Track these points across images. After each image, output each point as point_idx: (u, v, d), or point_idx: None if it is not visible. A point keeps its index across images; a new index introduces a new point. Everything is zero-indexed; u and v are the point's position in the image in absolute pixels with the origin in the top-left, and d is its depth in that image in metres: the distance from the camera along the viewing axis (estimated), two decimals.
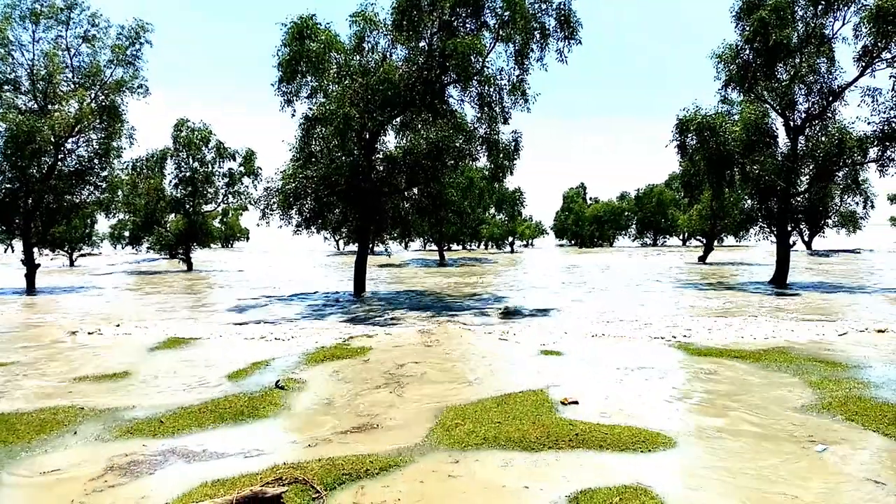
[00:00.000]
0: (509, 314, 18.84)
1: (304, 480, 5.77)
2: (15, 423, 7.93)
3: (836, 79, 25.65)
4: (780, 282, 27.40)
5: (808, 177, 27.22)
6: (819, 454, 6.38)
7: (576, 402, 8.23)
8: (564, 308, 20.03)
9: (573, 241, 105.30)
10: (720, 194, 29.60)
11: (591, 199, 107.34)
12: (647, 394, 8.94)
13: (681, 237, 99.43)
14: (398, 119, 24.97)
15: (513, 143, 25.01)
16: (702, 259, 49.02)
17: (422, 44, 23.26)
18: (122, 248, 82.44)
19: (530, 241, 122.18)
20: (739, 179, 27.33)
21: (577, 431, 7.10)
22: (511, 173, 26.19)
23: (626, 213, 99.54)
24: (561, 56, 22.37)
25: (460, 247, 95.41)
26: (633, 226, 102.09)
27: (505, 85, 23.58)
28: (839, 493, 5.50)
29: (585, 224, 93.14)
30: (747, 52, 25.97)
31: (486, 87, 23.56)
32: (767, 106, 26.65)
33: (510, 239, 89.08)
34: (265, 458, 6.49)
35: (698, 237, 62.91)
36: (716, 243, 57.08)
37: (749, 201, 30.26)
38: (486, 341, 13.88)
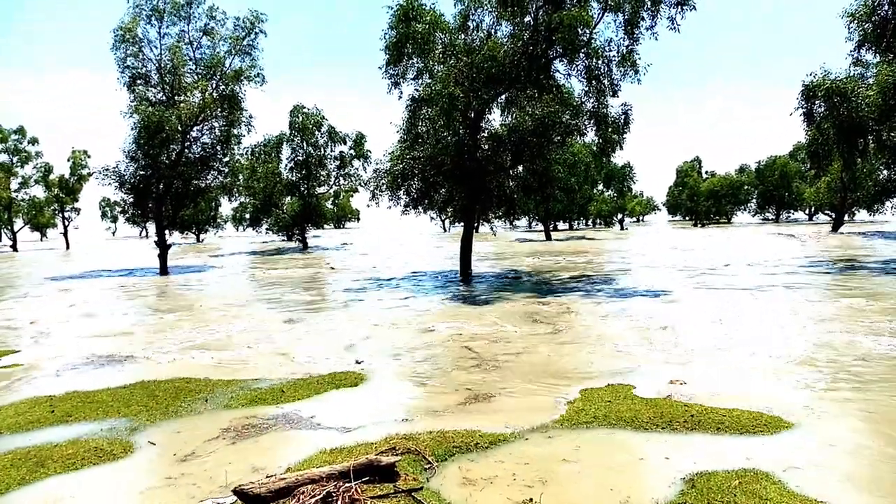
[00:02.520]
0: (616, 294, 18.39)
1: (417, 451, 5.94)
2: (154, 389, 8.67)
3: None
4: None
5: None
6: None
7: (684, 383, 7.92)
8: (676, 290, 19.29)
9: (687, 217, 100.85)
10: (851, 165, 27.32)
11: (706, 172, 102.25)
12: (762, 374, 8.46)
13: (806, 211, 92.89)
14: (503, 96, 24.71)
15: (622, 117, 24.11)
16: (832, 232, 45.75)
17: (527, 18, 22.84)
18: (244, 229, 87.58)
19: (641, 218, 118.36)
20: (874, 148, 25.04)
21: (693, 413, 6.86)
22: (620, 148, 25.31)
23: (746, 187, 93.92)
24: (673, 24, 21.22)
25: (567, 225, 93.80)
26: (753, 200, 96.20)
27: (614, 56, 22.71)
28: None
29: (701, 199, 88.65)
30: (885, 7, 23.61)
31: (594, 60, 22.79)
32: None
33: (619, 216, 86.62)
34: (378, 429, 6.72)
35: (826, 211, 58.51)
36: (846, 218, 52.94)
37: (885, 172, 27.73)
38: (593, 321, 13.64)
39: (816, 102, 25.08)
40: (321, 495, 4.88)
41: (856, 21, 24.65)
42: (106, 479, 5.66)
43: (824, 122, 25.09)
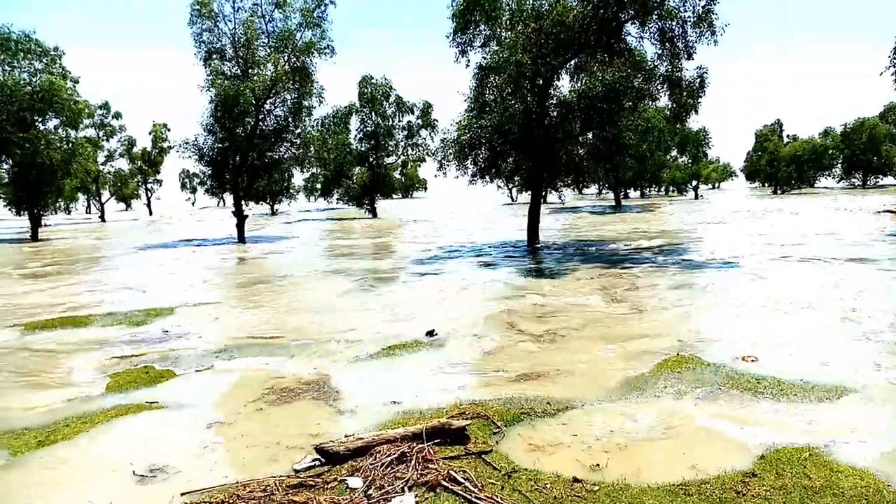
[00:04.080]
0: (686, 265, 18.02)
1: (486, 416, 6.15)
2: (246, 349, 9.22)
3: None
4: None
5: None
6: None
7: (755, 359, 7.78)
8: (750, 262, 18.72)
9: (766, 184, 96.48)
10: None
11: (788, 136, 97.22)
12: (838, 350, 8.23)
13: None
14: (572, 62, 24.22)
15: (697, 81, 23.20)
16: None
17: None
18: (315, 199, 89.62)
19: (717, 185, 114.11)
20: None
21: (764, 385, 6.80)
22: (695, 112, 24.46)
23: (831, 151, 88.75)
24: None
25: (638, 192, 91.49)
26: (839, 165, 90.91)
27: (689, 18, 21.82)
28: None
29: (781, 165, 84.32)
30: None
31: (668, 22, 21.95)
32: None
33: (694, 183, 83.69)
34: (448, 395, 6.97)
35: None
36: None
37: None
38: (662, 293, 13.47)
39: None
40: (396, 454, 5.16)
41: None
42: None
43: None
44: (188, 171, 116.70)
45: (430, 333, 9.86)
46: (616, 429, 5.81)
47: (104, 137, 72.45)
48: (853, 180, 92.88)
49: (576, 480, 4.74)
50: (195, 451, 5.70)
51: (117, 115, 72.82)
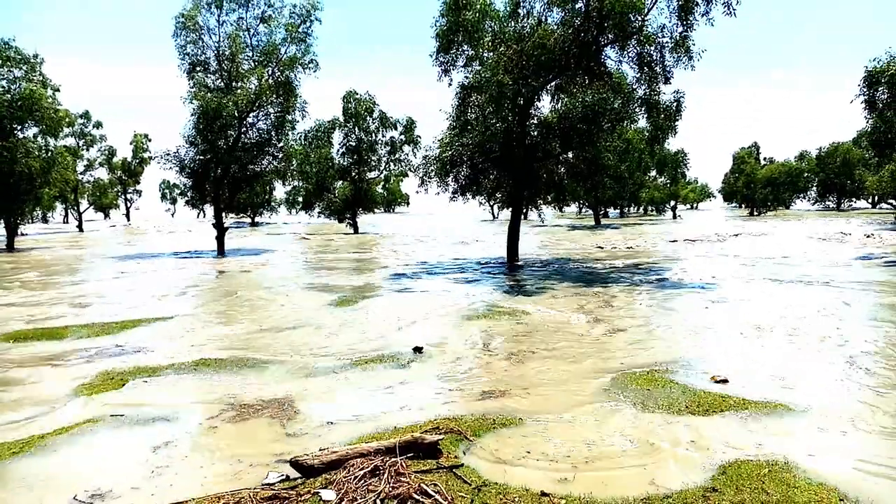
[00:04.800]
0: (662, 285, 18.35)
1: (459, 431, 6.29)
2: (216, 365, 9.25)
3: None
4: None
5: None
6: None
7: (725, 381, 7.97)
8: (724, 282, 19.10)
9: (743, 205, 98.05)
10: None
11: (765, 159, 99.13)
12: (805, 371, 8.48)
13: (869, 200, 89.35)
14: (553, 84, 24.67)
15: (674, 104, 23.77)
16: None
17: (578, 5, 22.67)
18: (296, 212, 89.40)
19: (695, 205, 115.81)
20: None
21: (730, 403, 7.02)
22: (673, 135, 25.02)
23: (806, 175, 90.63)
24: (729, 9, 20.73)
25: (618, 211, 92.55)
26: (814, 188, 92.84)
27: (666, 43, 22.37)
28: None
29: (758, 186, 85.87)
30: None
31: (646, 46, 22.50)
32: None
33: (672, 203, 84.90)
34: (423, 411, 7.09)
35: (890, 200, 56.23)
36: None
37: None
38: (637, 312, 13.72)
39: (880, 89, 24.22)
40: (369, 468, 5.26)
41: None
42: None
43: (888, 108, 24.23)
44: (168, 181, 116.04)
45: (418, 350, 9.95)
46: (584, 444, 5.97)
47: (84, 147, 71.86)
48: (827, 203, 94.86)
49: (543, 494, 4.89)
50: (143, 472, 5.57)
51: (98, 125, 72.30)
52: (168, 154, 32.99)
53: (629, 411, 6.90)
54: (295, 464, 5.43)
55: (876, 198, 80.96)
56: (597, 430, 6.34)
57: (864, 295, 15.13)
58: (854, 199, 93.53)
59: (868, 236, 34.51)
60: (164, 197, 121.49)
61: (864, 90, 24.62)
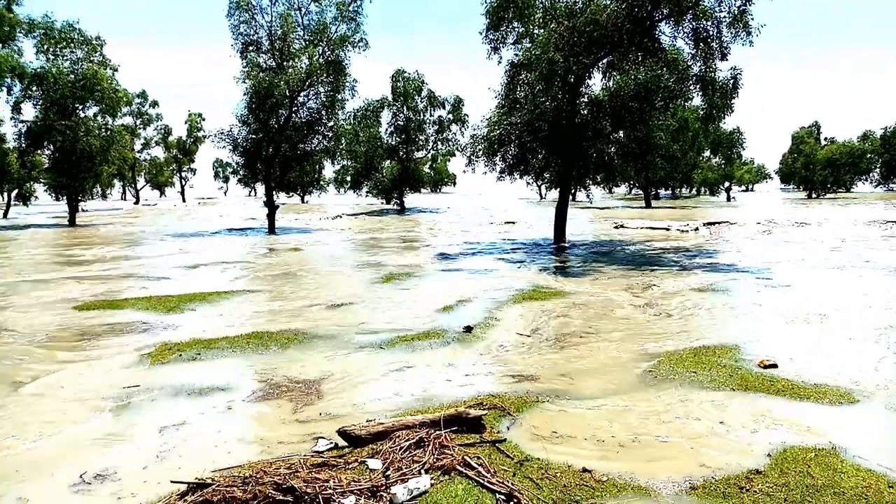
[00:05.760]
0: (712, 269, 17.99)
1: (503, 407, 6.38)
2: (268, 339, 9.56)
3: None
4: None
5: None
6: None
7: (775, 366, 7.82)
8: (776, 267, 18.61)
9: (801, 187, 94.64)
10: None
11: (825, 139, 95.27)
12: (855, 359, 8.26)
13: None
14: (604, 61, 24.18)
15: (731, 81, 23.01)
16: None
17: None
18: (345, 191, 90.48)
19: (750, 186, 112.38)
20: None
21: (778, 387, 6.90)
22: (729, 113, 24.29)
23: (869, 156, 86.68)
24: None
25: (669, 192, 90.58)
26: (877, 170, 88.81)
27: (724, 17, 21.64)
28: None
29: (817, 168, 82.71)
30: None
31: (702, 21, 21.81)
32: None
33: (726, 184, 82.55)
34: (468, 386, 7.21)
35: None
36: None
37: None
38: (685, 295, 13.52)
39: None
40: (415, 440, 5.40)
41: None
42: None
43: None
44: (221, 160, 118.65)
45: (468, 329, 10.06)
46: (628, 424, 5.98)
47: (141, 126, 74.17)
48: (892, 185, 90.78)
49: (585, 470, 4.94)
50: (151, 454, 5.54)
51: (154, 104, 74.40)
52: (222, 133, 33.79)
53: (674, 393, 6.86)
54: (343, 433, 5.61)
55: None
56: (640, 411, 6.33)
57: None
58: None
59: None
60: (216, 175, 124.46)
61: None
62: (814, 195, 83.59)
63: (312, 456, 5.31)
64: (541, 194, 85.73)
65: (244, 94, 32.27)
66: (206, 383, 7.44)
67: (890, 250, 20.98)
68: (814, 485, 4.64)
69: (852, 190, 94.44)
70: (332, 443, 5.60)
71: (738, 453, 5.29)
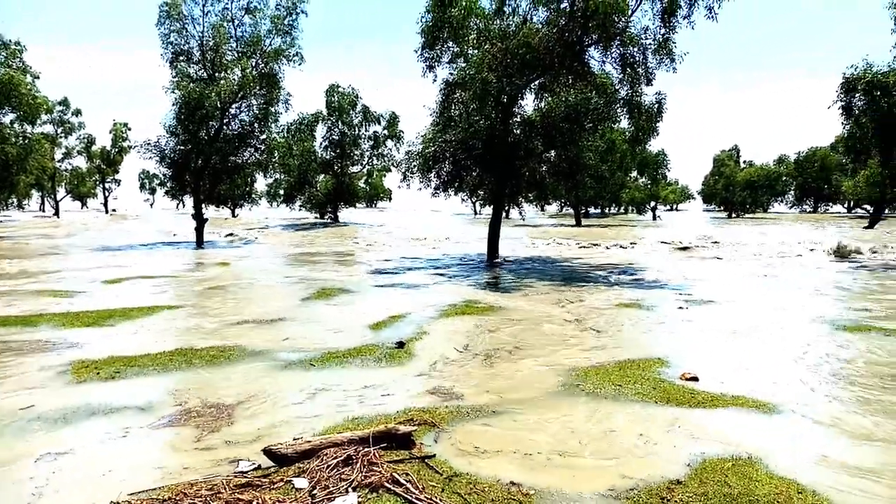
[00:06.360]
0: (638, 285, 18.58)
1: (433, 423, 6.37)
2: (192, 356, 9.25)
3: None
4: None
5: None
6: None
7: (696, 379, 8.13)
8: (698, 284, 19.39)
9: (722, 207, 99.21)
10: (889, 160, 26.76)
11: (744, 162, 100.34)
12: (771, 371, 8.68)
13: (845, 205, 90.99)
14: (536, 82, 24.80)
15: (656, 105, 24.04)
16: (868, 228, 45.07)
17: (563, 5, 22.83)
18: (277, 205, 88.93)
19: (674, 206, 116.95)
20: None
21: (698, 399, 7.17)
22: (655, 135, 25.36)
23: (784, 178, 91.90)
24: (711, 13, 20.98)
25: (599, 210, 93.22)
26: (792, 192, 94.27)
27: (649, 44, 22.60)
28: None
29: (737, 189, 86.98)
30: None
31: (629, 48, 22.72)
32: None
33: (652, 203, 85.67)
34: (398, 402, 7.17)
35: (864, 206, 57.24)
36: (887, 212, 51.88)
37: None
38: (612, 311, 13.89)
39: (856, 96, 24.67)
40: (343, 457, 5.33)
41: None
42: None
43: (863, 115, 24.69)
44: (148, 171, 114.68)
45: (400, 344, 9.98)
46: (556, 437, 6.08)
47: (62, 134, 70.90)
48: (805, 207, 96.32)
49: (513, 484, 4.99)
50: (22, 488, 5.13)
51: (77, 112, 71.32)
52: (148, 143, 32.73)
53: (600, 406, 7.03)
54: (268, 452, 5.48)
55: (851, 202, 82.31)
56: (567, 424, 6.45)
57: (837, 298, 15.46)
58: (830, 204, 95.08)
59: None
60: (143, 187, 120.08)
61: (842, 96, 25.06)
62: (733, 215, 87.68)
63: (236, 476, 5.16)
64: (475, 210, 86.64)
65: (173, 105, 31.41)
66: (116, 404, 7.09)
67: (805, 268, 22.21)
68: (731, 493, 4.84)
69: (769, 210, 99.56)
70: (254, 463, 5.45)
71: (660, 464, 5.45)
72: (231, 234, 43.87)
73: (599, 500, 4.80)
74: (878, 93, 23.61)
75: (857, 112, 24.94)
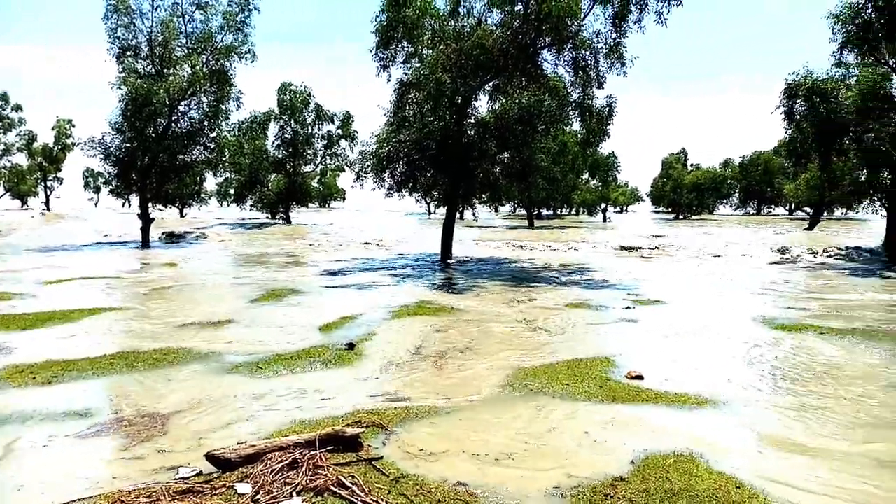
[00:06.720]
0: (587, 285, 18.86)
1: (381, 424, 6.33)
2: (134, 360, 8.98)
3: None
4: (892, 257, 25.73)
5: None
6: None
7: (641, 377, 8.29)
8: (645, 284, 19.81)
9: (669, 209, 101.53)
10: (828, 164, 27.81)
11: (691, 165, 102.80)
12: (713, 370, 8.93)
13: (787, 207, 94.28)
14: (490, 84, 24.93)
15: (607, 109, 24.45)
16: (807, 230, 46.81)
17: (517, 7, 22.99)
18: (228, 205, 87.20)
19: (625, 208, 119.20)
20: (854, 149, 25.69)
21: (642, 397, 7.32)
22: (606, 138, 25.79)
23: (729, 181, 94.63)
24: (660, 18, 21.45)
25: (551, 211, 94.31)
26: (736, 194, 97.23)
27: (601, 48, 22.97)
28: None
29: (684, 191, 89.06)
30: (869, 10, 24.00)
31: (582, 51, 23.04)
32: (889, 69, 24.61)
33: (603, 205, 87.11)
34: (346, 404, 7.09)
35: (804, 208, 59.36)
36: (826, 214, 53.93)
37: (864, 172, 28.39)
38: (561, 312, 14.06)
39: (797, 101, 25.53)
40: (288, 461, 5.24)
41: (840, 23, 24.89)
42: None
43: (804, 120, 25.57)
44: (93, 169, 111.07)
45: (350, 346, 9.88)
46: (503, 436, 6.12)
47: (1, 130, 67.97)
48: (748, 209, 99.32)
49: (460, 484, 5.00)
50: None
51: (17, 108, 68.49)
52: (93, 141, 31.66)
53: (547, 405, 7.10)
54: (211, 457, 5.35)
55: (793, 205, 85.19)
56: (515, 424, 6.49)
57: (778, 298, 15.98)
58: (773, 206, 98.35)
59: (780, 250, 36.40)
60: (87, 185, 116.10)
61: (784, 102, 25.89)
62: (681, 216, 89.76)
63: (176, 483, 5.02)
64: (429, 211, 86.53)
65: (119, 101, 30.42)
66: (51, 409, 6.85)
67: (748, 268, 22.90)
68: (672, 489, 4.94)
69: (714, 212, 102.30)
70: (196, 469, 5.32)
71: (604, 462, 5.54)
72: (178, 234, 42.85)
73: (545, 498, 4.84)
74: (818, 99, 24.48)
75: (798, 117, 25.81)
